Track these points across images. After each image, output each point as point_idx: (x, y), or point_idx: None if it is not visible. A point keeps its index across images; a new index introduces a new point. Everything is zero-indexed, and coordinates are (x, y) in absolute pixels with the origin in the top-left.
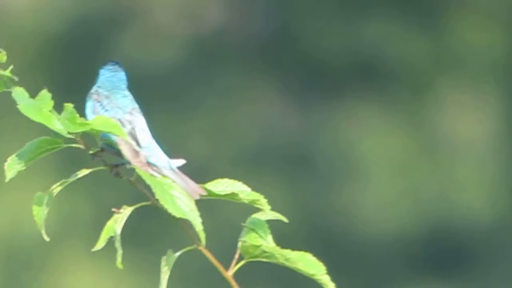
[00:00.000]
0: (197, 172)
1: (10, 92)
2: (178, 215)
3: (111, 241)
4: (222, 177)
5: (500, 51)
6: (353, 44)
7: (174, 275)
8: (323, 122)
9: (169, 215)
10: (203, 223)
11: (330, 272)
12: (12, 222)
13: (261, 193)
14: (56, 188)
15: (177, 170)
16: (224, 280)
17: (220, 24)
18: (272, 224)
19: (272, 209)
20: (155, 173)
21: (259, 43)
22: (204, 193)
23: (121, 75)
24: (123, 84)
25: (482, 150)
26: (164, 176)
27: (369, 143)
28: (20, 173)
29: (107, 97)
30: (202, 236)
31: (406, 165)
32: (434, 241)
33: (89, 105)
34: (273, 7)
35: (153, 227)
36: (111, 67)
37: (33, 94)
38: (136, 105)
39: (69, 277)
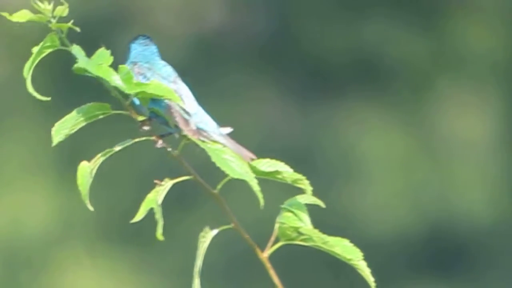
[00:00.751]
0: (199, 171)
1: (66, 50)
2: (235, 176)
3: (111, 240)
4: (224, 177)
5: (500, 51)
6: (354, 44)
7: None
8: (324, 122)
9: (210, 190)
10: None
11: (330, 272)
12: (12, 222)
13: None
14: (100, 158)
15: (226, 136)
16: (259, 262)
17: (221, 25)
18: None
19: (273, 210)
20: (206, 140)
21: (260, 44)
22: (254, 157)
23: (153, 48)
24: (157, 57)
25: (483, 150)
26: (214, 141)
27: (369, 143)
28: (67, 137)
29: (149, 68)
30: (260, 196)
31: (406, 165)
32: (434, 241)
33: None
34: (274, 7)
35: (154, 228)
36: (142, 41)
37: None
38: (177, 74)
39: (70, 277)
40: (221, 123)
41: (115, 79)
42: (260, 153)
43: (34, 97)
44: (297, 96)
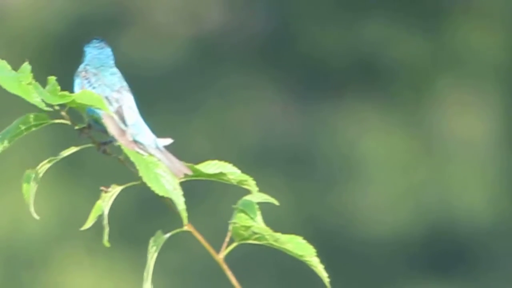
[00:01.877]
0: None
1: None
2: (160, 193)
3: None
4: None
5: (500, 51)
6: (353, 44)
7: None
8: (323, 122)
9: (157, 194)
10: (190, 204)
11: (331, 272)
12: (12, 222)
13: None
14: (44, 166)
15: (163, 149)
16: (217, 264)
17: (221, 24)
18: (273, 224)
19: (272, 210)
20: (141, 151)
21: (260, 43)
22: (189, 172)
23: (108, 51)
24: (111, 60)
25: (483, 150)
26: (150, 154)
27: (369, 143)
28: (5, 150)
29: (95, 74)
30: (184, 215)
31: (406, 165)
32: (434, 242)
33: (77, 83)
34: (273, 7)
35: (153, 226)
36: (97, 44)
37: None
38: (125, 83)
39: (70, 277)
40: (221, 123)
41: (34, 97)
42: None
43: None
44: (297, 96)
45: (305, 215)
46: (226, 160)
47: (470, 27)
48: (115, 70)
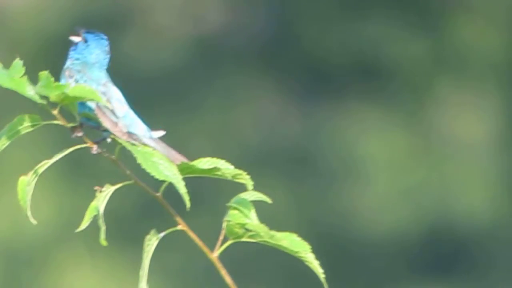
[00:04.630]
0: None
1: None
2: (161, 178)
3: (111, 239)
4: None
5: (500, 52)
6: (354, 44)
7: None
8: (324, 122)
9: (150, 192)
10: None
11: (332, 273)
12: (12, 222)
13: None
14: (38, 169)
15: (157, 139)
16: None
17: (221, 25)
18: (273, 224)
19: (273, 210)
20: (135, 142)
21: (260, 44)
22: (185, 159)
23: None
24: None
25: (483, 151)
26: (144, 144)
27: (369, 143)
28: (0, 153)
29: (79, 71)
30: (186, 198)
31: (406, 165)
32: (434, 242)
33: (62, 82)
34: (274, 8)
35: (154, 226)
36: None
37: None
38: (109, 78)
39: (70, 277)
40: (222, 123)
41: (27, 91)
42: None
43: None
44: (297, 97)
45: (305, 216)
46: (226, 161)
47: (471, 28)
48: (105, 68)
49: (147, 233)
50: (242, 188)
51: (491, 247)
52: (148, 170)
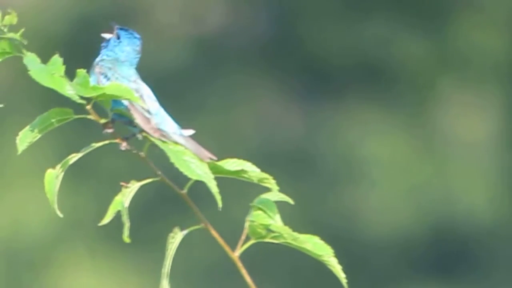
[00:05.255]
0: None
1: (21, 57)
2: (194, 177)
3: (111, 240)
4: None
5: (503, 52)
6: (356, 45)
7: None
8: (326, 122)
9: (176, 190)
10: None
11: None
12: (13, 222)
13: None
14: (66, 163)
15: (186, 137)
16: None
17: (223, 25)
18: None
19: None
20: (165, 139)
21: (262, 44)
22: (214, 157)
23: (137, 48)
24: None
25: (485, 151)
26: (175, 142)
27: (372, 144)
28: (31, 145)
29: (110, 68)
30: (218, 198)
31: (408, 166)
32: (437, 243)
33: (92, 79)
34: (275, 8)
35: (155, 227)
36: (133, 35)
37: (33, 94)
38: (138, 75)
39: (70, 278)
40: (223, 123)
41: (67, 90)
42: (263, 154)
43: (34, 96)
44: (299, 97)
45: (307, 217)
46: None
47: (473, 28)
48: (134, 66)
49: (148, 235)
50: (247, 187)
51: (494, 246)
52: (181, 169)
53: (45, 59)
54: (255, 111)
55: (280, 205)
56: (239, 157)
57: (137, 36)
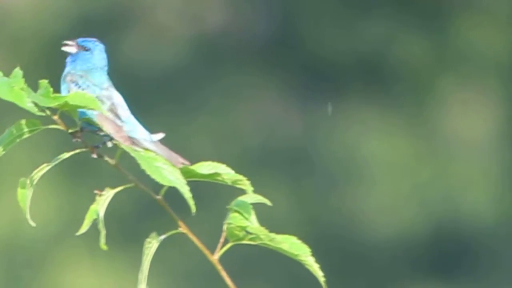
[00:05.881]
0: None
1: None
2: (165, 184)
3: (111, 239)
4: None
5: (504, 51)
6: (356, 44)
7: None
8: (326, 122)
9: (151, 195)
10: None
11: (334, 274)
12: (12, 222)
13: (263, 194)
14: (38, 173)
15: (157, 143)
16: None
17: (223, 25)
18: (274, 226)
19: (274, 211)
20: (137, 147)
21: (261, 44)
22: (187, 162)
23: (103, 54)
24: (104, 64)
25: (486, 150)
26: (146, 149)
27: (372, 144)
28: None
29: (81, 76)
30: (191, 203)
31: (409, 166)
32: (438, 243)
33: (64, 88)
34: (275, 8)
35: (154, 227)
36: (95, 43)
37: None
38: (111, 82)
39: (70, 277)
40: (223, 123)
41: (27, 102)
42: (263, 154)
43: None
44: (299, 97)
45: (308, 217)
46: (227, 161)
47: (473, 27)
48: (105, 71)
49: (147, 233)
50: (241, 189)
51: (496, 246)
52: (152, 176)
53: (44, 59)
54: (255, 111)
55: (279, 205)
56: (239, 157)
57: (99, 41)
